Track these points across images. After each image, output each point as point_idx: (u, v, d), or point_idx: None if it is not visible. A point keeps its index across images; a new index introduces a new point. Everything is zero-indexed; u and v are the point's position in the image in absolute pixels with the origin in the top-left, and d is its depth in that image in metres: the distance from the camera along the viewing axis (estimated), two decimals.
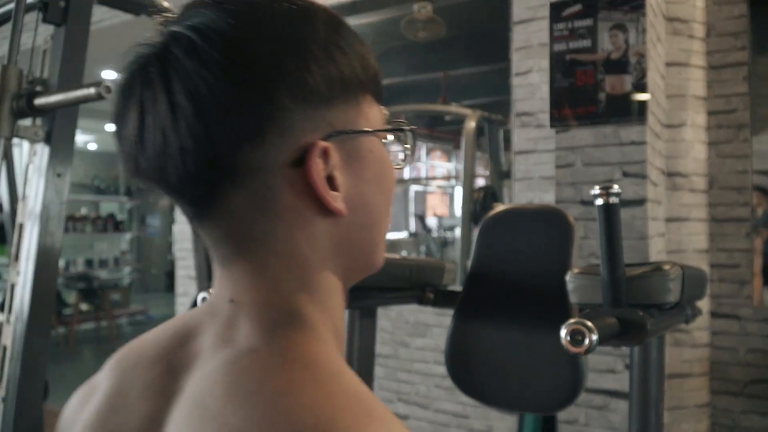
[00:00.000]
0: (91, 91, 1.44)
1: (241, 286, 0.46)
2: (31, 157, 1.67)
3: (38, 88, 1.59)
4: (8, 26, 1.65)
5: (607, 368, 2.06)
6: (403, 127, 0.51)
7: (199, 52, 0.41)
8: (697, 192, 2.49)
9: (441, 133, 6.61)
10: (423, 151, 6.81)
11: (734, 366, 2.46)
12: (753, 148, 2.50)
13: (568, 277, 0.98)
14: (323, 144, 0.44)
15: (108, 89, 1.43)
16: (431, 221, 6.75)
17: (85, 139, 10.12)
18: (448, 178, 7.45)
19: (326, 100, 0.45)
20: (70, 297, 7.51)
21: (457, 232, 4.68)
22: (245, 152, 0.42)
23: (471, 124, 3.57)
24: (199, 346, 0.46)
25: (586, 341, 0.69)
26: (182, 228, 3.81)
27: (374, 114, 0.49)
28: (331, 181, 0.45)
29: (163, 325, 0.52)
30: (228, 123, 0.42)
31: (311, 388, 0.39)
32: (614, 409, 2.07)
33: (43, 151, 1.63)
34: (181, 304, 3.81)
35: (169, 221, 11.03)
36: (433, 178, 7.44)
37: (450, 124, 5.75)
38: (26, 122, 1.62)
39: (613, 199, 0.85)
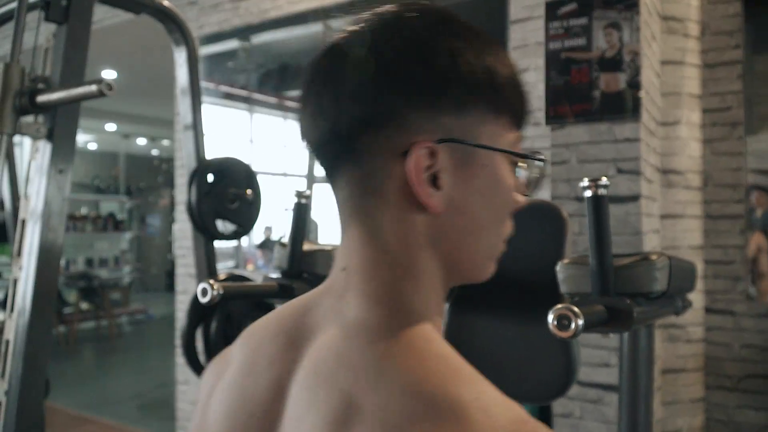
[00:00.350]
0: (93, 88, 1.45)
1: (352, 252, 0.53)
2: (33, 154, 1.69)
3: (40, 86, 1.61)
4: (10, 25, 1.67)
5: (602, 362, 2.09)
6: (522, 157, 0.54)
7: (344, 56, 0.51)
8: (692, 189, 2.51)
9: None
10: None
11: (729, 361, 2.49)
12: (751, 147, 2.52)
13: (558, 267, 1.00)
14: (429, 144, 0.49)
15: (109, 86, 1.44)
16: None
17: (85, 139, 10.14)
18: None
19: (445, 108, 0.50)
20: (71, 296, 7.54)
21: None
22: (366, 136, 0.50)
23: None
24: (316, 318, 0.53)
25: (572, 326, 0.72)
26: (183, 226, 3.83)
27: (503, 134, 0.53)
28: (435, 180, 0.50)
29: (287, 303, 0.59)
30: (354, 111, 0.50)
31: (406, 354, 0.46)
32: (608, 403, 2.09)
33: (45, 147, 1.65)
34: (181, 302, 3.83)
35: (170, 221, 11.05)
36: None
37: None
38: (29, 119, 1.64)
39: (602, 191, 0.87)
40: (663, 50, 2.47)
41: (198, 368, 1.86)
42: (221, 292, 1.01)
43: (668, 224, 2.47)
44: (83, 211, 8.88)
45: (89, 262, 8.01)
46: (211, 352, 1.82)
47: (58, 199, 1.65)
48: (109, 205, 10.03)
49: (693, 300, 2.54)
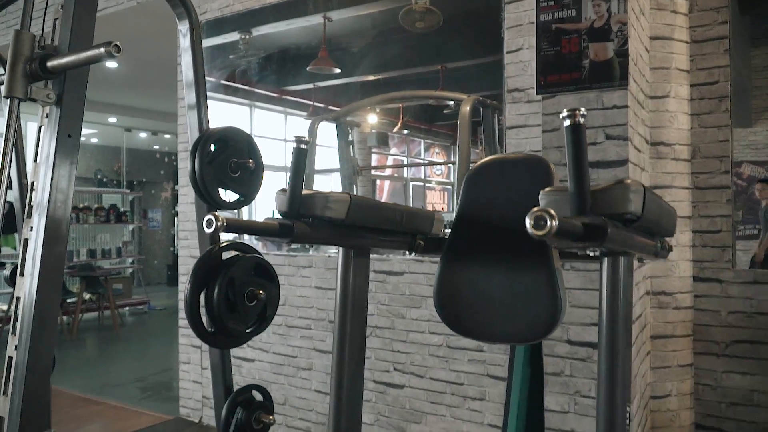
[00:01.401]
0: (101, 50, 1.52)
1: None
2: (42, 119, 1.76)
3: (50, 53, 1.68)
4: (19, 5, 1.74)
5: (591, 321, 2.15)
6: None
7: None
8: (680, 161, 2.59)
9: (439, 128, 6.69)
10: (421, 147, 6.91)
11: (716, 327, 2.56)
12: (750, 139, 2.60)
13: (540, 195, 1.07)
14: None
15: (117, 48, 1.51)
16: None
17: (87, 133, 10.21)
18: (446, 163, 7.54)
19: None
20: (74, 287, 7.61)
21: None
22: None
23: (466, 108, 3.67)
24: None
25: (548, 224, 0.78)
26: (185, 209, 3.91)
27: None
28: None
29: None
30: None
31: None
32: (597, 360, 2.15)
33: (54, 112, 1.72)
34: (184, 283, 3.90)
35: (171, 214, 11.12)
36: (432, 163, 7.53)
37: (448, 118, 5.82)
38: (39, 85, 1.70)
39: (580, 120, 0.94)
40: (652, 26, 2.54)
41: (202, 332, 1.92)
42: (225, 224, 1.08)
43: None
44: (86, 204, 8.94)
45: (92, 253, 8.08)
46: (214, 316, 1.88)
47: (67, 163, 1.72)
48: (111, 198, 10.10)
49: (682, 269, 2.60)
